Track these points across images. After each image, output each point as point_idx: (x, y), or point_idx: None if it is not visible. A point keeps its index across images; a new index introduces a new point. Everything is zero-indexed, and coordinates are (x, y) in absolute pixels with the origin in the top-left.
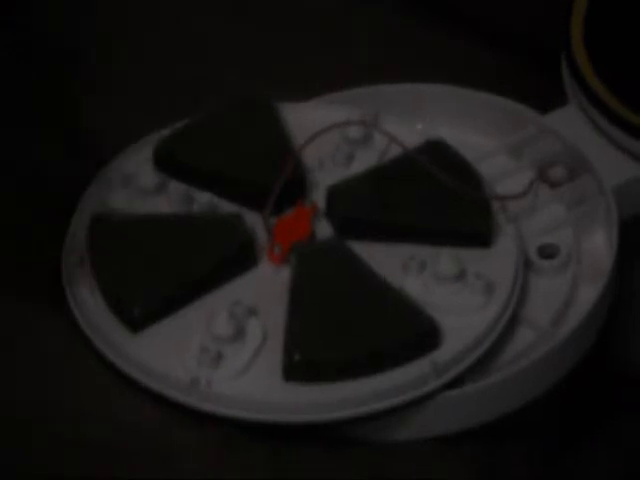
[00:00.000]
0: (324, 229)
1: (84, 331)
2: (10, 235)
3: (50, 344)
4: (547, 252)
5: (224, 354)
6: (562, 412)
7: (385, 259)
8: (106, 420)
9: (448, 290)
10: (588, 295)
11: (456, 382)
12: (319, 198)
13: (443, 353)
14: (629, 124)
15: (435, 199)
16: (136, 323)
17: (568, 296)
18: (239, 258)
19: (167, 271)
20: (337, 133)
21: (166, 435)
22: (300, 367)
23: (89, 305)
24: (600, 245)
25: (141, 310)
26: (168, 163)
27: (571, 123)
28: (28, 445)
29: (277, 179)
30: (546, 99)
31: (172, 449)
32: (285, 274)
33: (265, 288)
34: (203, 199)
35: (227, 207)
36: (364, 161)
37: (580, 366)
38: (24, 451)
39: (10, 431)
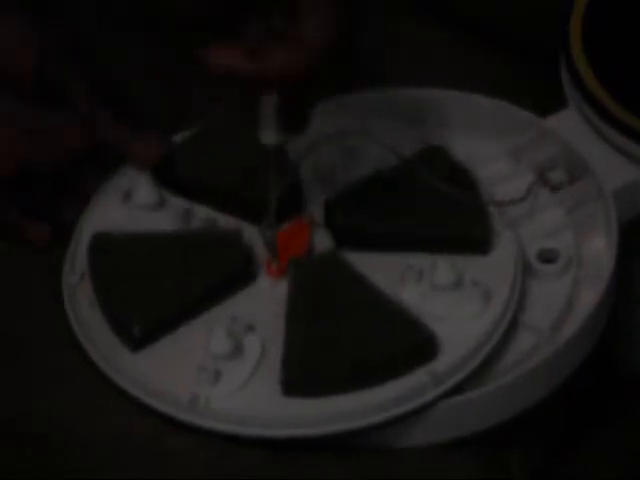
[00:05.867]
0: (323, 240)
1: (84, 349)
2: (11, 251)
3: (50, 360)
4: (547, 256)
5: (223, 371)
6: (563, 414)
7: (383, 269)
8: (98, 428)
9: (446, 299)
10: (589, 299)
11: (456, 390)
12: (317, 208)
13: (441, 363)
14: (628, 127)
15: (433, 207)
16: (136, 342)
17: (568, 300)
18: (238, 275)
19: (167, 289)
20: (335, 143)
21: (158, 440)
22: (299, 382)
23: (89, 323)
24: (600, 248)
25: (141, 329)
26: (167, 179)
27: (571, 126)
28: (25, 451)
29: (273, 194)
30: (546, 102)
31: (164, 451)
32: (283, 288)
33: (263, 303)
34: (202, 214)
35: (226, 221)
36: (362, 170)
37: (582, 368)
38: (22, 457)
39: (11, 440)
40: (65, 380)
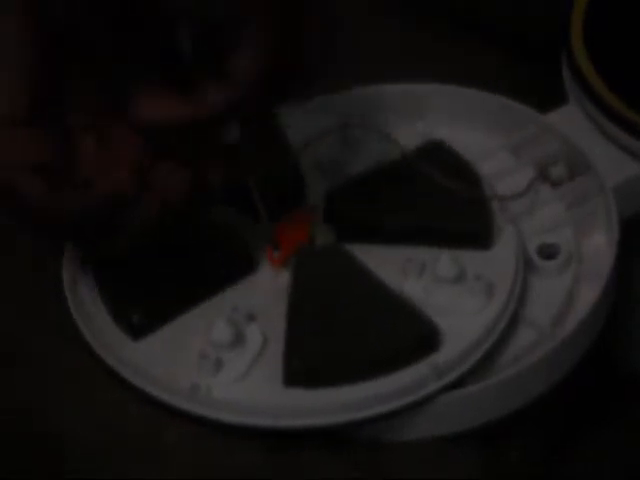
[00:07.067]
0: (324, 232)
1: (86, 338)
2: (11, 241)
3: (50, 350)
4: (548, 252)
5: (224, 360)
6: (562, 412)
7: (385, 262)
8: (98, 427)
9: (448, 292)
10: (588, 295)
11: (458, 383)
12: (319, 201)
13: (443, 355)
14: (629, 123)
15: (435, 201)
16: (137, 330)
17: (568, 296)
18: (240, 264)
19: (167, 278)
20: (336, 136)
21: (156, 434)
22: (300, 373)
23: (90, 312)
24: (601, 244)
25: (141, 317)
26: None
27: (572, 122)
28: (25, 451)
29: (275, 184)
30: (547, 98)
31: (163, 450)
32: (285, 278)
33: (265, 293)
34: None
35: (227, 211)
36: (363, 164)
37: (581, 366)
38: (22, 456)
39: (11, 440)
40: (65, 380)
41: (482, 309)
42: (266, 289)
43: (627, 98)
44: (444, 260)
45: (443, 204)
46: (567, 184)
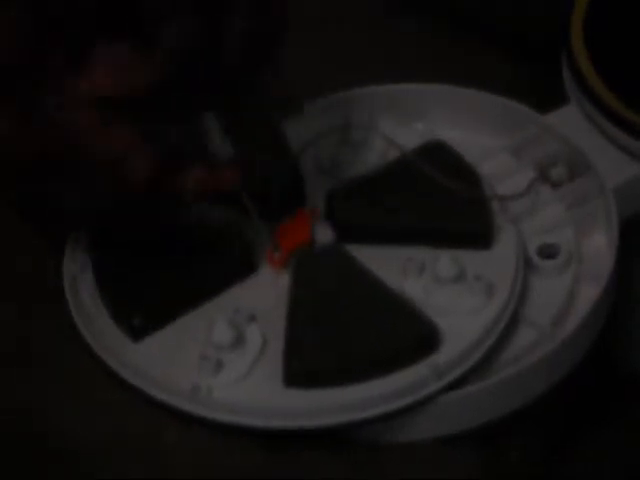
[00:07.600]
0: (324, 233)
1: (86, 339)
2: (11, 241)
3: (50, 350)
4: (548, 252)
5: (224, 361)
6: (562, 412)
7: (385, 262)
8: (98, 427)
9: (448, 292)
10: (589, 295)
11: (458, 384)
12: (319, 202)
13: (443, 355)
14: (629, 124)
15: (435, 201)
16: (137, 332)
17: (569, 296)
18: (240, 265)
19: (167, 279)
20: (336, 136)
21: (156, 434)
22: (300, 374)
23: (91, 314)
24: (601, 245)
25: (142, 319)
26: None
27: (572, 123)
28: (25, 451)
29: (275, 185)
30: (547, 98)
31: (163, 450)
32: (285, 279)
33: (265, 294)
34: (203, 206)
35: (227, 212)
36: (364, 164)
37: (581, 366)
38: (22, 457)
39: (11, 440)
40: (65, 380)
41: (482, 309)
42: (266, 290)
43: (627, 99)
44: (444, 260)
45: (443, 204)
46: (567, 185)
